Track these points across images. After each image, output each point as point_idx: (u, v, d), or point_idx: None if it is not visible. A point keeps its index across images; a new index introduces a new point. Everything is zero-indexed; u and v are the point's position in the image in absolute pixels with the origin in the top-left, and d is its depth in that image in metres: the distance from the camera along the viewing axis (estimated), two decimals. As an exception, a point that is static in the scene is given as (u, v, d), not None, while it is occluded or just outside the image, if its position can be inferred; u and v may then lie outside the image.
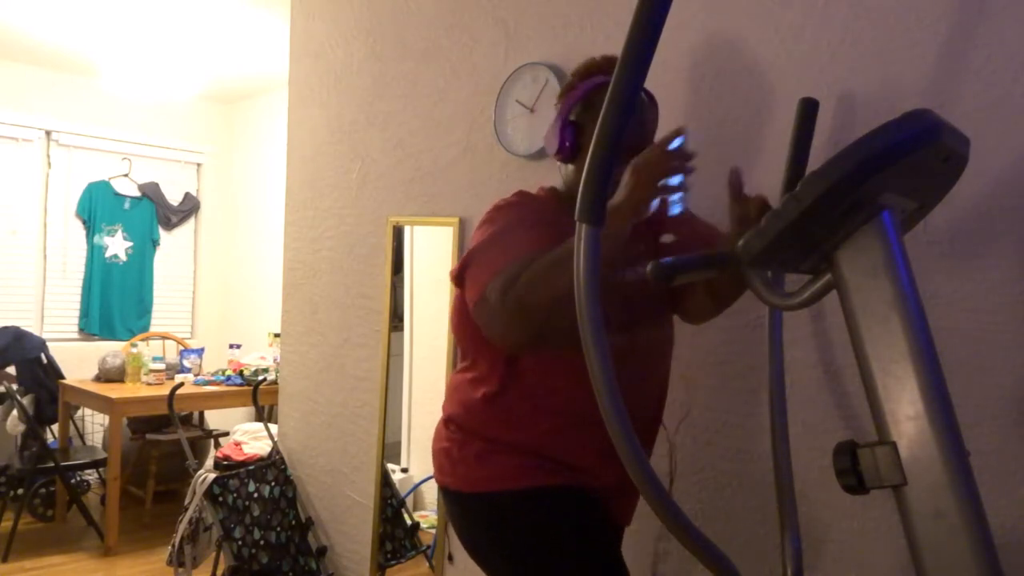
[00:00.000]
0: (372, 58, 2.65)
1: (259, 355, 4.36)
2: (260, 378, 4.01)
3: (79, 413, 4.50)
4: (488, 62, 2.24)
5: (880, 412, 0.83)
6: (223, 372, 4.25)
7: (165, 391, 3.36)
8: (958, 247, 1.39)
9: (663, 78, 1.81)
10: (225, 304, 5.39)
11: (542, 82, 2.07)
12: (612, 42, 1.93)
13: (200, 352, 4.40)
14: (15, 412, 3.85)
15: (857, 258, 0.87)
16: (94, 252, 4.88)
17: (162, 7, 3.57)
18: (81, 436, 4.50)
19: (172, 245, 5.26)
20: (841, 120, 1.53)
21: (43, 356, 4.14)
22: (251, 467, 2.85)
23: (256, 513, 2.72)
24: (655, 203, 1.19)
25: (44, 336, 4.44)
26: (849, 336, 0.87)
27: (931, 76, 1.42)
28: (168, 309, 5.23)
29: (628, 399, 0.91)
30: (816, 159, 1.45)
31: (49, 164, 4.74)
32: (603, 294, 0.92)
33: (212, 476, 2.68)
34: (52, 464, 3.73)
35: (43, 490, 3.97)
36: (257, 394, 3.49)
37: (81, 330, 4.85)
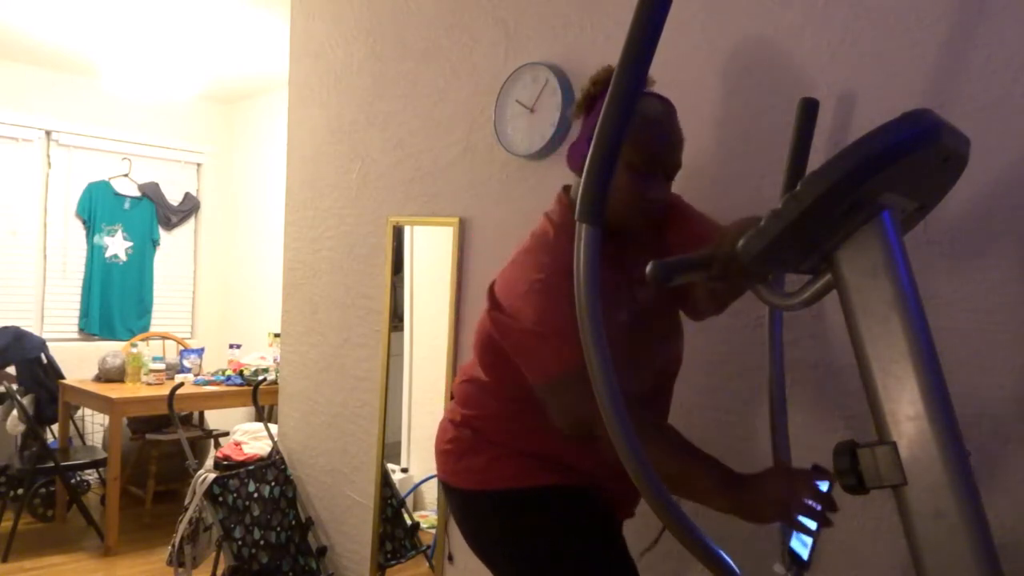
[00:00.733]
0: (372, 58, 2.65)
1: (259, 355, 4.36)
2: (260, 378, 4.01)
3: (79, 413, 4.50)
4: (488, 62, 2.24)
5: (880, 412, 0.83)
6: (223, 372, 4.25)
7: (165, 391, 3.36)
8: (958, 247, 1.39)
9: (663, 78, 1.81)
10: (225, 304, 5.39)
11: (542, 82, 2.06)
12: (612, 42, 1.93)
13: (200, 352, 4.41)
14: (15, 412, 3.85)
15: (857, 258, 0.87)
16: (94, 252, 4.88)
17: (162, 7, 3.57)
18: (81, 436, 4.50)
19: (172, 245, 5.26)
20: (841, 120, 1.53)
21: (43, 356, 4.14)
22: (251, 467, 2.85)
23: (256, 513, 2.72)
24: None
25: (44, 336, 4.44)
26: (849, 336, 0.87)
27: (931, 76, 1.42)
28: (168, 309, 5.23)
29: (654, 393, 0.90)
30: (816, 159, 1.45)
31: (49, 164, 4.74)
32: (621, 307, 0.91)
33: (212, 476, 2.68)
34: (52, 464, 3.73)
35: (43, 490, 3.97)
36: (257, 394, 3.49)
37: (81, 330, 4.85)
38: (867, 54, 1.50)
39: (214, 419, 4.76)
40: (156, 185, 5.14)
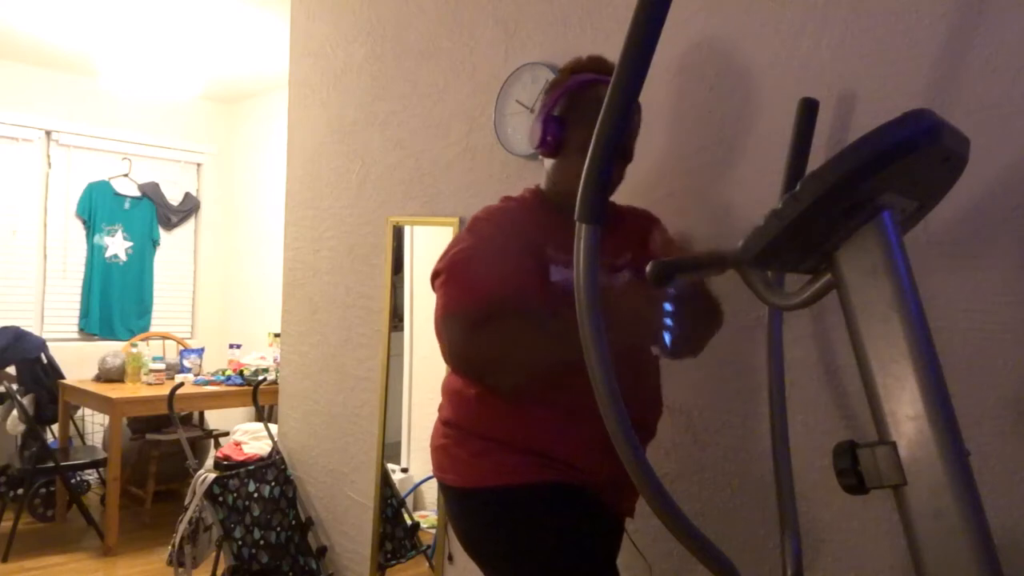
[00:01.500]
0: (372, 58, 2.65)
1: (259, 355, 4.36)
2: (260, 378, 4.01)
3: (79, 413, 4.50)
4: (488, 62, 2.24)
5: (880, 412, 0.83)
6: (223, 372, 4.25)
7: (165, 391, 3.36)
8: (958, 247, 1.39)
9: (663, 78, 1.81)
10: (225, 304, 5.39)
11: (542, 82, 2.06)
12: (612, 42, 1.93)
13: (200, 352, 4.41)
14: (15, 412, 3.85)
15: (857, 258, 0.86)
16: (94, 252, 4.88)
17: (162, 7, 3.57)
18: (81, 436, 4.51)
19: (172, 245, 5.26)
20: (841, 120, 1.53)
21: (43, 356, 4.15)
22: (251, 467, 2.85)
23: (256, 513, 2.72)
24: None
25: (44, 336, 4.44)
26: (849, 336, 0.87)
27: (931, 76, 1.42)
28: (168, 309, 5.23)
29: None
30: (816, 159, 1.45)
31: (49, 164, 4.74)
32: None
33: (212, 476, 2.68)
34: (52, 464, 3.73)
35: (43, 490, 3.97)
36: (257, 394, 3.49)
37: (81, 330, 4.85)
38: (867, 54, 1.50)
39: (214, 419, 4.76)
40: (156, 185, 5.14)
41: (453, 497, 1.44)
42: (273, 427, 3.09)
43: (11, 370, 4.07)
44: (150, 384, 4.02)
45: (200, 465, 3.04)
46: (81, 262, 4.86)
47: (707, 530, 1.03)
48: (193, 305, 5.37)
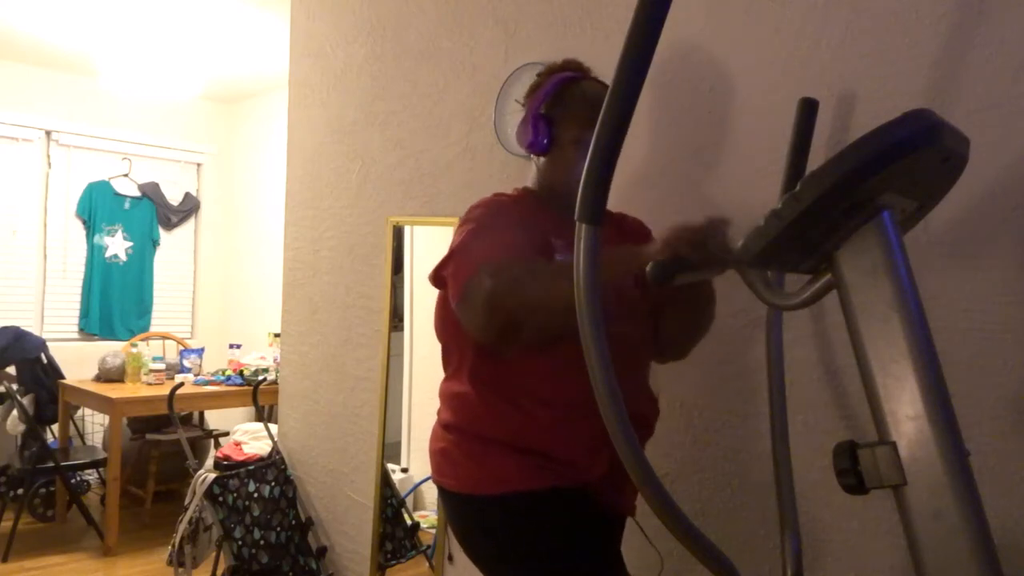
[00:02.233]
0: (372, 58, 2.65)
1: (259, 355, 4.36)
2: (260, 378, 4.01)
3: (79, 413, 4.50)
4: (488, 62, 2.24)
5: (880, 412, 0.82)
6: (223, 372, 4.25)
7: (165, 391, 3.36)
8: (958, 247, 1.39)
9: (663, 78, 1.81)
10: (225, 304, 5.39)
11: (542, 82, 2.06)
12: (612, 42, 1.93)
13: (200, 352, 4.41)
14: (15, 412, 3.85)
15: (857, 258, 0.86)
16: (94, 252, 4.88)
17: (162, 7, 3.57)
18: (81, 436, 4.51)
19: (172, 245, 5.26)
20: (841, 120, 1.53)
21: (43, 356, 4.14)
22: (251, 467, 2.85)
23: (256, 513, 2.72)
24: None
25: (44, 336, 4.44)
26: (849, 336, 0.87)
27: (931, 76, 1.42)
28: (168, 309, 5.23)
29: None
30: (816, 159, 1.45)
31: (49, 164, 4.74)
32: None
33: (212, 476, 2.68)
34: (52, 464, 3.73)
35: (43, 490, 3.97)
36: (257, 394, 3.49)
37: (81, 330, 4.85)
38: (867, 54, 1.50)
39: (214, 419, 4.76)
40: (156, 185, 5.14)
41: (452, 501, 1.43)
42: (273, 427, 3.09)
43: (11, 370, 4.07)
44: (150, 384, 4.02)
45: (200, 465, 3.04)
46: (81, 262, 4.86)
47: (707, 530, 1.03)
48: (193, 305, 5.37)
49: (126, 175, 5.00)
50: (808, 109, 1.44)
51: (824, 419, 1.56)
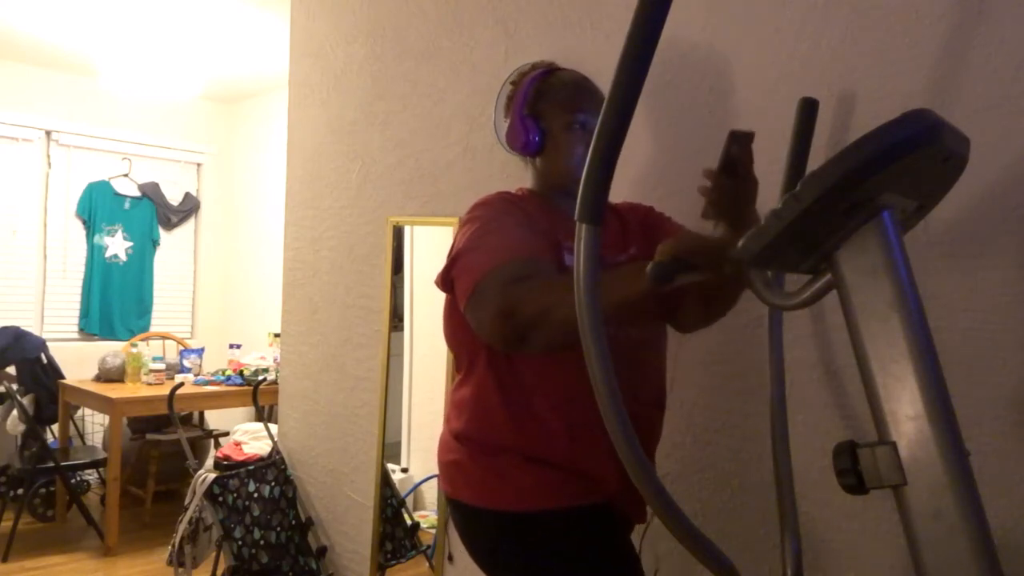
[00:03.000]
0: (372, 58, 2.65)
1: (259, 355, 4.37)
2: (260, 378, 4.01)
3: (79, 413, 4.50)
4: (488, 62, 2.24)
5: (880, 412, 0.82)
6: (223, 372, 4.25)
7: (165, 391, 3.36)
8: (958, 247, 1.39)
9: (663, 78, 1.82)
10: (225, 304, 5.39)
11: (542, 82, 2.06)
12: (612, 42, 1.93)
13: (200, 352, 4.41)
14: (15, 412, 3.85)
15: (857, 258, 0.86)
16: (94, 252, 4.88)
17: (162, 7, 3.57)
18: (81, 436, 4.51)
19: (172, 245, 5.26)
20: (841, 120, 1.53)
21: (43, 356, 4.15)
22: (251, 467, 2.85)
23: (256, 513, 2.72)
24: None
25: (44, 336, 4.44)
26: (849, 336, 0.87)
27: (931, 76, 1.42)
28: (168, 309, 5.23)
29: (624, 400, 0.91)
30: (816, 159, 1.45)
31: (49, 164, 4.74)
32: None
33: (212, 476, 2.68)
34: (52, 464, 3.73)
35: (43, 490, 3.97)
36: (257, 394, 3.49)
37: (81, 330, 4.85)
38: (867, 54, 1.50)
39: (214, 419, 4.76)
40: (156, 185, 5.14)
41: (467, 514, 1.39)
42: (273, 427, 3.09)
43: (11, 370, 4.07)
44: (150, 384, 4.02)
45: (200, 465, 3.04)
46: (81, 262, 4.86)
47: (707, 530, 1.03)
48: (193, 305, 5.37)
49: (126, 175, 5.00)
50: (808, 109, 1.44)
51: (824, 419, 1.56)
